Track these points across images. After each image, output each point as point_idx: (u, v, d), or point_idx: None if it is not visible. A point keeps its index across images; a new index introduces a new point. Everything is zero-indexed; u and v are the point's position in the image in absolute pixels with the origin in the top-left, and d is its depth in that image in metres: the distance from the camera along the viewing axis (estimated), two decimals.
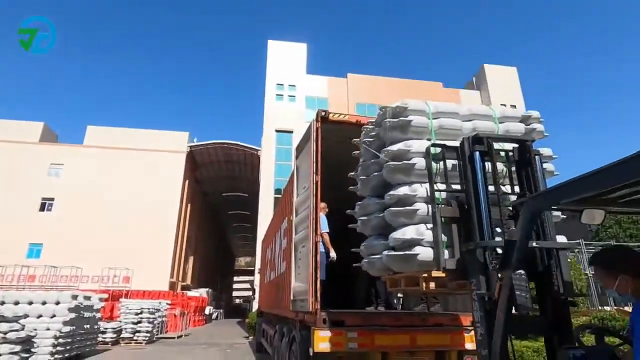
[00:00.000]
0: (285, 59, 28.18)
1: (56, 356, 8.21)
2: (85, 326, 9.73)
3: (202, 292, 29.81)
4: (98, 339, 11.39)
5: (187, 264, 34.88)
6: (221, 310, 38.31)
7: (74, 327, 9.03)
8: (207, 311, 28.35)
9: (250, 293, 32.85)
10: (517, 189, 2.78)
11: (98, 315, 10.72)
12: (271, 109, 26.83)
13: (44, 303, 8.53)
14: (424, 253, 2.74)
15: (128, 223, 27.40)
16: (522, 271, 1.97)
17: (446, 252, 2.70)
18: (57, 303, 8.71)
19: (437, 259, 2.68)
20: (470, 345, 3.83)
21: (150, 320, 13.65)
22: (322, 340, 3.62)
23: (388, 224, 3.05)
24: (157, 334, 15.05)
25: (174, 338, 15.53)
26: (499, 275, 2.17)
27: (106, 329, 12.16)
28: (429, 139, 3.04)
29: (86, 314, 9.75)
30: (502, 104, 29.92)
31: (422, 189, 2.90)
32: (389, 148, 3.09)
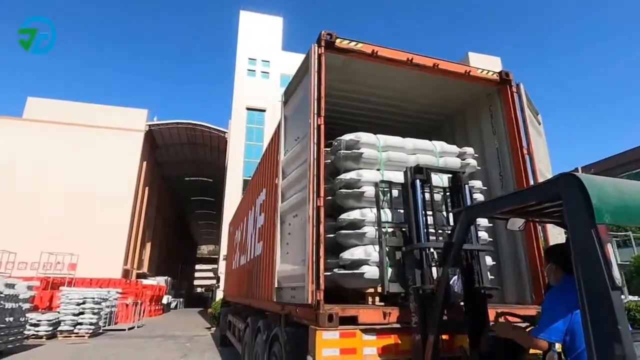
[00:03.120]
0: (259, 32, 26.13)
1: None
2: (7, 319, 8.03)
3: (160, 281, 27.73)
4: (29, 332, 9.71)
5: (143, 251, 32.42)
6: (181, 300, 36.18)
7: None
8: (165, 300, 26.42)
9: (212, 282, 31.18)
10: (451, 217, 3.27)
11: (26, 305, 8.98)
12: (242, 85, 24.80)
13: None
14: (370, 272, 3.05)
15: (76, 206, 24.67)
16: (457, 268, 2.49)
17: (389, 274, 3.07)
18: None
19: (382, 283, 3.03)
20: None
21: (95, 310, 11.91)
22: (327, 345, 2.51)
23: (338, 244, 3.30)
24: (105, 326, 13.32)
25: (124, 330, 13.85)
26: (437, 271, 2.66)
27: (39, 321, 10.38)
28: (378, 169, 3.41)
29: (7, 305, 8.03)
30: None
31: (371, 214, 3.22)
32: (341, 176, 3.41)
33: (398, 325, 2.71)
